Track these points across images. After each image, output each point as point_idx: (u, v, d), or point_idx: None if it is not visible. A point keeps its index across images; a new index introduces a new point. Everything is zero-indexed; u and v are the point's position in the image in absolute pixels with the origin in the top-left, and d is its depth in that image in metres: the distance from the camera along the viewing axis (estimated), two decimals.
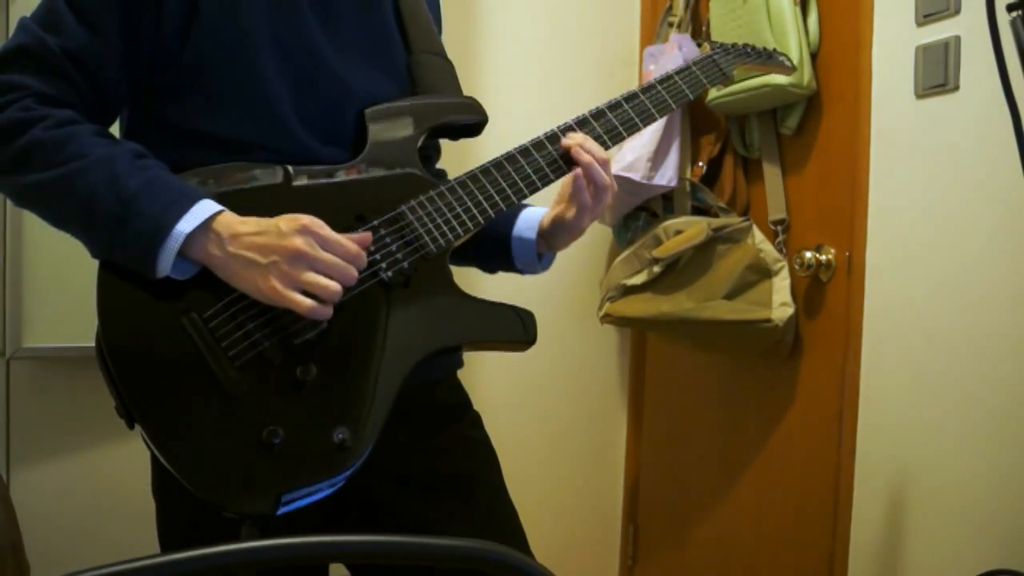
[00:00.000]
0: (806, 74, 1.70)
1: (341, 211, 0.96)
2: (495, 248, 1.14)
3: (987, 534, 1.39)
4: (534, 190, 1.04)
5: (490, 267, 1.20)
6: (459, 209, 1.00)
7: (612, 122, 1.09)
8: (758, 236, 1.80)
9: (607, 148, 1.08)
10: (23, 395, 1.76)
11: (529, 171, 1.03)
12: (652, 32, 2.15)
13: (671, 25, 2.08)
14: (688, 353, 2.10)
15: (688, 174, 1.98)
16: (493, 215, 1.02)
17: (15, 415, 1.76)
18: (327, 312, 0.89)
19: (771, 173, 1.85)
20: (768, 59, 1.33)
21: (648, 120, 1.11)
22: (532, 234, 1.13)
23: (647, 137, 1.90)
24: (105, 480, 1.83)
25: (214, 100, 0.97)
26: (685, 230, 1.83)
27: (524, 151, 1.04)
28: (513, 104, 2.09)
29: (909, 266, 1.55)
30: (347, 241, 0.90)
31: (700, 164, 1.98)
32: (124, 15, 0.93)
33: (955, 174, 1.46)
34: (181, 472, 0.84)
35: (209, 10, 0.95)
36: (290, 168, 0.97)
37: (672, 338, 1.99)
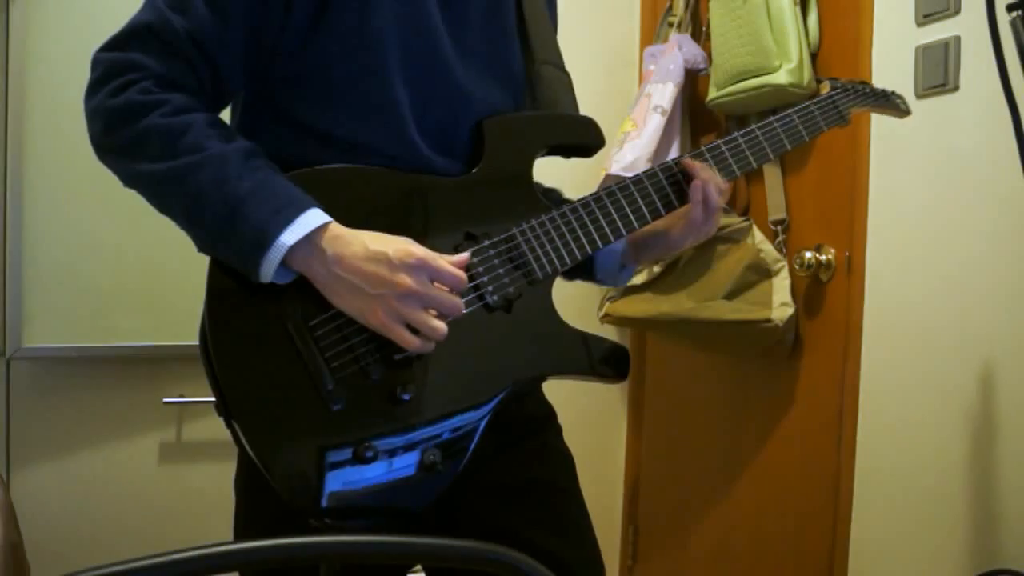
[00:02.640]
0: (806, 74, 1.70)
1: (452, 227, 0.95)
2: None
3: (987, 534, 1.39)
4: (644, 223, 1.04)
5: (569, 275, 1.17)
6: (569, 237, 0.99)
7: (725, 155, 1.08)
8: (758, 236, 1.80)
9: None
10: (23, 395, 1.76)
11: (641, 203, 1.03)
12: (652, 32, 2.16)
13: (671, 25, 2.08)
14: (688, 353, 2.10)
15: None
16: (601, 246, 1.01)
17: (15, 415, 1.76)
18: (430, 348, 0.88)
19: (771, 173, 1.85)
20: (885, 100, 1.30)
21: (762, 159, 1.10)
22: (621, 243, 1.12)
23: (647, 137, 1.90)
24: (105, 480, 1.83)
25: (334, 97, 0.95)
26: None
27: (637, 180, 1.04)
28: None
29: (909, 266, 1.55)
30: (457, 272, 0.89)
31: None
32: (253, 3, 0.91)
33: (955, 174, 1.46)
34: (272, 476, 0.84)
35: (339, 6, 0.93)
36: (405, 177, 0.96)
37: (672, 338, 1.99)
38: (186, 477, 1.89)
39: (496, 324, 0.95)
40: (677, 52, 1.93)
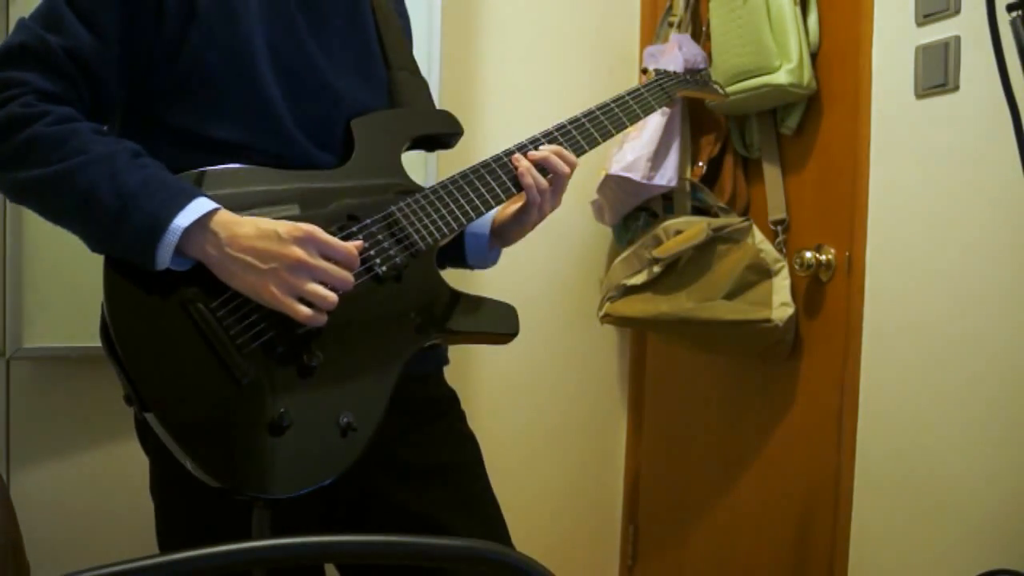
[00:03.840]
0: (806, 74, 1.71)
1: (334, 212, 1.00)
2: (449, 245, 1.19)
3: (987, 534, 1.39)
4: (510, 195, 1.12)
5: (440, 262, 1.25)
6: (444, 211, 1.06)
7: (573, 134, 1.17)
8: (758, 236, 1.80)
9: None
10: (23, 395, 1.76)
11: (505, 178, 1.11)
12: (652, 32, 2.15)
13: (671, 25, 2.08)
14: (688, 353, 2.10)
15: (688, 174, 1.98)
16: (475, 217, 1.08)
17: (15, 415, 1.75)
18: (323, 319, 0.92)
19: (771, 173, 1.85)
20: (704, 85, 1.48)
21: (606, 135, 1.21)
22: (485, 231, 1.21)
23: (647, 137, 1.90)
24: (105, 480, 1.83)
25: (211, 103, 0.98)
26: (685, 230, 1.83)
27: (498, 158, 1.12)
28: (513, 104, 2.09)
29: (909, 266, 1.55)
30: (345, 245, 0.94)
31: (700, 164, 1.98)
32: (124, 16, 0.94)
33: (955, 174, 1.46)
34: (195, 457, 0.86)
35: (207, 14, 0.97)
36: (285, 171, 1.00)
37: (672, 338, 1.99)
38: None
39: (389, 294, 1.00)
40: (677, 52, 1.92)
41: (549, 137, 1.16)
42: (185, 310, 0.90)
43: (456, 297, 1.07)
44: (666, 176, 1.91)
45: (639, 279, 1.89)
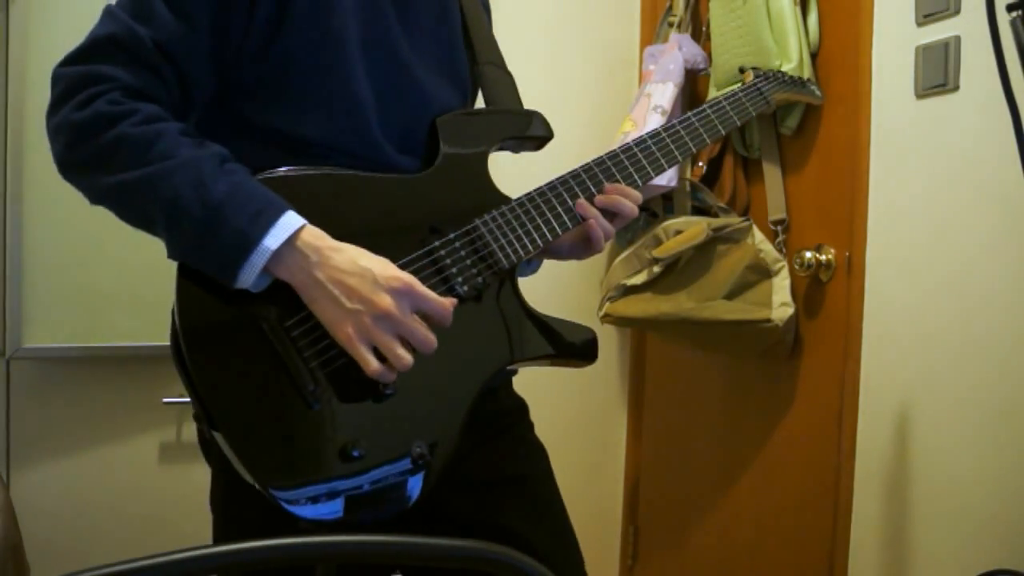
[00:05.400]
0: (806, 74, 1.70)
1: (416, 223, 0.96)
2: None
3: (987, 534, 1.39)
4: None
5: None
6: (529, 226, 1.01)
7: (653, 151, 1.10)
8: (758, 236, 1.80)
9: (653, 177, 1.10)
10: (23, 395, 1.76)
11: (594, 191, 1.05)
12: (652, 32, 2.15)
13: (671, 25, 2.08)
14: (688, 353, 2.10)
15: (688, 174, 1.98)
16: (560, 233, 1.03)
17: (15, 415, 1.76)
18: (391, 378, 0.88)
19: (771, 173, 1.85)
20: (802, 87, 1.39)
21: (700, 145, 1.14)
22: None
23: None
24: (105, 480, 1.83)
25: (298, 100, 0.95)
26: (685, 230, 1.83)
27: (587, 168, 1.06)
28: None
29: (909, 266, 1.54)
30: (441, 301, 0.89)
31: (700, 164, 1.98)
32: (216, 7, 0.90)
33: (955, 174, 1.46)
34: (260, 479, 0.83)
35: (300, 6, 0.93)
36: (368, 176, 0.96)
37: (672, 338, 1.99)
38: (186, 477, 1.89)
39: (469, 315, 0.96)
40: (677, 52, 1.92)
41: (642, 146, 1.09)
42: (260, 328, 0.86)
43: (534, 318, 1.02)
44: (666, 176, 1.91)
45: (639, 279, 1.89)
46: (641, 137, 1.10)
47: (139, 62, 0.88)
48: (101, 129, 0.85)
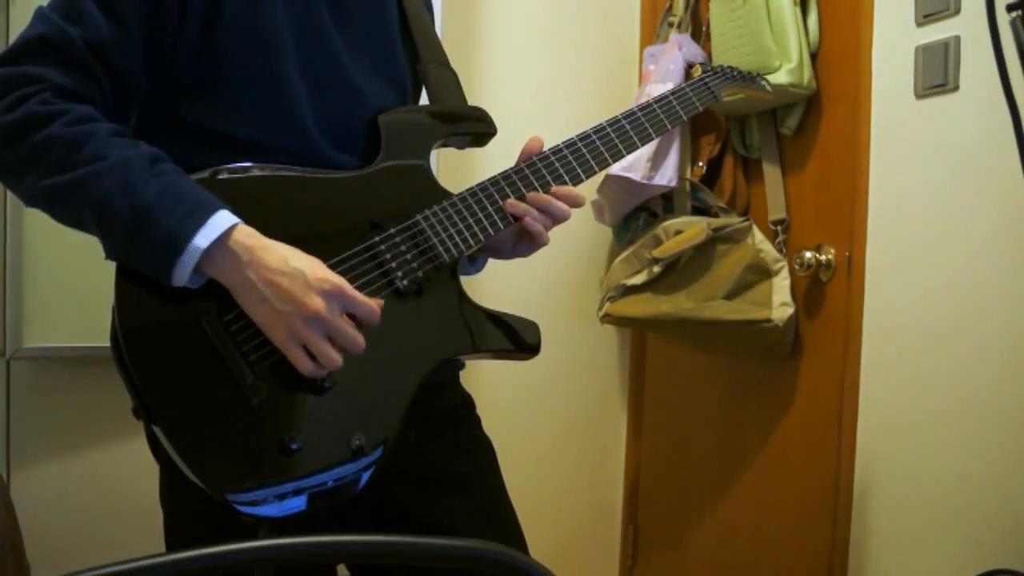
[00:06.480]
0: (806, 74, 1.70)
1: (357, 218, 0.97)
2: None
3: (987, 534, 1.39)
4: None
5: None
6: (471, 220, 1.01)
7: (597, 146, 1.10)
8: (758, 236, 1.80)
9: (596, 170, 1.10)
10: (23, 395, 1.76)
11: (536, 185, 1.05)
12: (652, 32, 2.15)
13: (671, 25, 2.08)
14: (688, 353, 2.09)
15: (688, 174, 1.98)
16: (503, 227, 1.03)
17: (15, 415, 1.75)
18: (322, 374, 0.89)
19: (771, 173, 1.85)
20: (752, 82, 1.40)
21: (645, 139, 1.14)
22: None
23: None
24: (105, 480, 1.83)
25: (233, 99, 0.95)
26: (685, 230, 1.83)
27: (531, 164, 1.06)
28: (513, 104, 2.08)
29: (909, 266, 1.54)
30: (369, 303, 0.89)
31: (700, 164, 1.98)
32: (148, 9, 0.90)
33: (955, 174, 1.46)
34: (199, 475, 0.84)
35: (232, 7, 0.93)
36: (306, 173, 0.96)
37: (672, 338, 1.99)
38: None
39: (409, 309, 0.96)
40: (677, 52, 1.92)
41: (586, 140, 1.09)
42: (198, 323, 0.87)
43: (476, 312, 1.02)
44: (666, 176, 1.91)
45: (639, 279, 1.89)
46: (586, 132, 1.11)
47: (71, 62, 0.88)
48: (31, 130, 0.85)
